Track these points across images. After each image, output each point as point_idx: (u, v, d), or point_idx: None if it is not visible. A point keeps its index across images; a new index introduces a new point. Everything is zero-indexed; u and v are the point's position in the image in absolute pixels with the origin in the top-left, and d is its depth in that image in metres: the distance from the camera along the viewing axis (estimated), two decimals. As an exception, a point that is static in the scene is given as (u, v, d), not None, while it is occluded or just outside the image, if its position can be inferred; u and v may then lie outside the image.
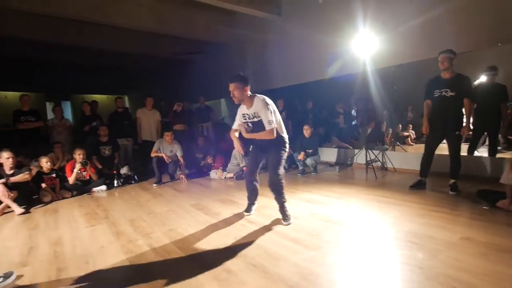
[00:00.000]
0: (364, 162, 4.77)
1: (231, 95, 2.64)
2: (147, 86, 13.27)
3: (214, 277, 1.81)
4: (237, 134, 2.82)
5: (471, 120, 3.33)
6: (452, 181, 3.42)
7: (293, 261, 1.96)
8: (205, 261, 2.04)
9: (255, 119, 2.63)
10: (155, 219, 3.04)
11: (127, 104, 16.54)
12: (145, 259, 2.12)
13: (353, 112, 7.45)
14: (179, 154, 5.05)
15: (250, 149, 2.97)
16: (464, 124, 3.31)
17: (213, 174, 5.15)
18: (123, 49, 8.23)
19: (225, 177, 5.00)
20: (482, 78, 4.37)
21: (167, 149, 5.03)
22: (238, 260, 2.02)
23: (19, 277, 1.97)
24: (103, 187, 4.61)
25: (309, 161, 5.06)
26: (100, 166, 4.99)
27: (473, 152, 4.35)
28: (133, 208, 3.53)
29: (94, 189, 4.53)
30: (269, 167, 2.77)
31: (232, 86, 2.60)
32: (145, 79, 13.01)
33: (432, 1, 4.14)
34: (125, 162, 5.62)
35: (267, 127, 2.54)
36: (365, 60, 4.70)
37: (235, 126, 2.86)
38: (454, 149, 3.39)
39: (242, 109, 2.75)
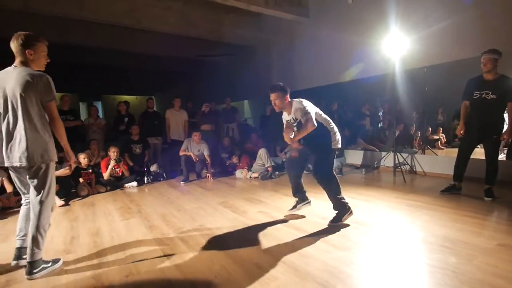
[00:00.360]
0: (392, 165, 4.66)
1: (272, 104, 2.77)
2: (174, 88, 13.74)
3: (245, 272, 1.88)
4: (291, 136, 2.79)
5: None
6: (487, 186, 3.27)
7: (322, 260, 1.99)
8: (235, 256, 2.10)
9: (296, 123, 2.73)
10: (185, 215, 3.17)
11: (154, 105, 17.21)
12: (178, 252, 2.22)
13: (380, 114, 7.29)
14: (206, 153, 5.20)
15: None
16: (505, 129, 3.15)
17: (239, 173, 5.25)
18: (151, 52, 8.57)
19: (250, 177, 5.08)
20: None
21: (194, 148, 5.19)
22: (268, 256, 2.07)
23: (65, 263, 2.14)
24: (134, 183, 4.84)
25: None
26: (131, 163, 5.23)
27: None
28: (163, 204, 3.68)
29: (126, 185, 4.76)
30: (314, 162, 2.82)
31: (273, 96, 2.72)
32: (172, 80, 13.46)
33: (464, 2, 4.01)
34: (154, 160, 5.86)
35: (303, 119, 2.59)
36: (395, 61, 4.61)
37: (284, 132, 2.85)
38: (491, 153, 3.24)
39: (285, 116, 2.88)
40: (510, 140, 3.22)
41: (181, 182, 4.94)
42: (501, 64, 3.10)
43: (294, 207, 2.99)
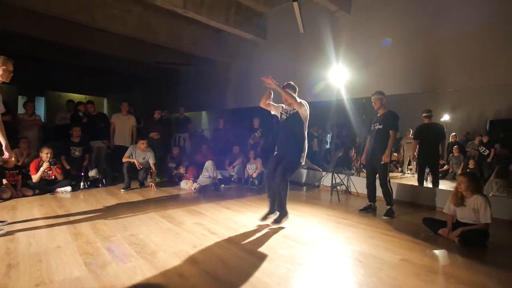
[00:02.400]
0: (330, 184, 5.01)
1: (283, 100, 3.28)
2: (129, 91, 13.21)
3: (165, 280, 1.88)
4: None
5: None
6: (387, 207, 3.74)
7: (245, 270, 2.07)
8: (160, 266, 2.09)
9: (290, 114, 3.25)
10: (118, 223, 3.05)
11: (105, 107, 16.30)
12: (101, 261, 2.14)
13: (328, 137, 7.80)
14: (151, 161, 5.07)
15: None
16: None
17: (184, 184, 5.19)
18: (107, 52, 8.23)
19: (194, 188, 5.05)
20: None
21: (139, 155, 5.04)
22: (193, 266, 2.10)
23: (-34, 270, 1.93)
24: (68, 188, 4.52)
25: None
26: (68, 167, 4.90)
27: (422, 183, 4.74)
28: (97, 211, 3.50)
29: (59, 189, 4.43)
30: (282, 165, 3.12)
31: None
32: (128, 84, 12.95)
33: (392, 47, 4.67)
34: (96, 165, 5.55)
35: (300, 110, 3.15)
36: (339, 89, 5.05)
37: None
38: (381, 177, 3.76)
39: (279, 109, 3.37)
40: (386, 161, 3.73)
41: (121, 190, 4.74)
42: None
43: (265, 217, 3.21)
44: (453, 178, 6.04)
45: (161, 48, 7.94)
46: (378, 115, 3.90)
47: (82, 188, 4.69)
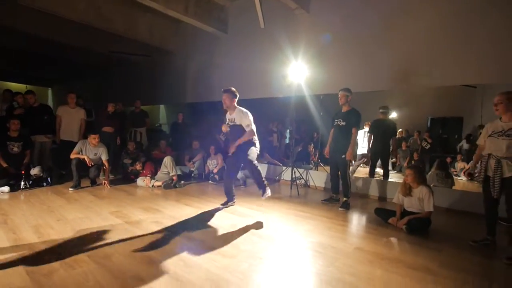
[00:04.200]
0: (290, 179, 5.13)
1: (223, 101, 3.63)
2: (79, 82, 12.18)
3: (121, 284, 1.77)
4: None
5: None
6: (344, 199, 3.95)
7: (206, 268, 2.03)
8: (115, 270, 1.97)
9: (233, 123, 3.62)
10: (66, 226, 2.80)
11: (50, 98, 14.89)
12: (46, 268, 1.95)
13: (288, 132, 7.97)
14: (104, 158, 4.74)
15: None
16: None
17: (140, 181, 4.94)
18: (53, 37, 7.46)
19: (152, 185, 4.84)
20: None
21: (90, 151, 4.68)
22: (151, 267, 2.01)
23: None
24: (5, 188, 4.05)
25: (239, 174, 5.22)
26: (5, 165, 4.38)
27: (373, 175, 5.08)
28: (40, 213, 3.18)
29: (-6, 190, 3.95)
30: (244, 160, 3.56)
31: (225, 96, 3.58)
32: (77, 73, 11.92)
33: (349, 46, 4.90)
34: (40, 162, 5.04)
35: (246, 128, 3.53)
36: (298, 86, 5.16)
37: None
38: (342, 170, 3.97)
39: (227, 115, 3.73)
40: (351, 158, 3.99)
41: (70, 189, 4.37)
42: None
43: (225, 204, 3.76)
44: (400, 171, 6.58)
45: (116, 37, 7.41)
46: (342, 111, 4.01)
47: (23, 188, 4.23)
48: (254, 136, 3.62)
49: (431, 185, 3.72)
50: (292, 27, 5.59)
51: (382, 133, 5.05)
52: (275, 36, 5.71)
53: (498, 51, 3.73)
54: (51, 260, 2.07)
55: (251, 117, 3.58)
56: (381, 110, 5.13)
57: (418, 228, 3.00)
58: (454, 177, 5.34)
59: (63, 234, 2.57)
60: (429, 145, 6.39)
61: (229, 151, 3.68)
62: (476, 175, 2.78)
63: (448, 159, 6.09)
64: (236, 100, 3.62)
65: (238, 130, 3.55)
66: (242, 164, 3.77)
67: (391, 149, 5.38)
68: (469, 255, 2.51)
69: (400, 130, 6.52)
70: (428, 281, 2.02)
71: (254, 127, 3.60)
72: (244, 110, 3.59)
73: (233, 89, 3.59)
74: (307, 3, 5.34)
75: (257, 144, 3.67)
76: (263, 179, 3.58)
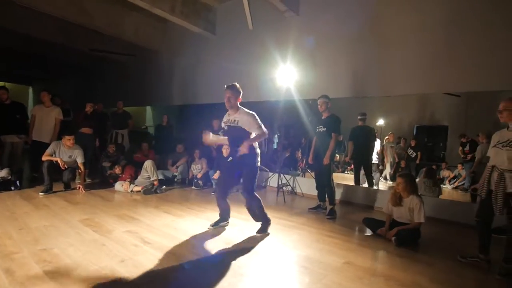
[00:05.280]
0: (276, 185, 4.96)
1: (225, 100, 2.90)
2: (59, 80, 11.72)
3: (79, 309, 1.55)
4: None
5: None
6: (329, 206, 3.82)
7: (184, 286, 1.82)
8: (75, 288, 1.73)
9: (233, 124, 2.90)
10: (28, 235, 2.53)
11: (30, 96, 14.29)
12: (-6, 287, 1.70)
13: (276, 137, 7.83)
14: (79, 160, 4.44)
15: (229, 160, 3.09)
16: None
17: (119, 186, 4.66)
18: (32, 33, 7.11)
19: (131, 190, 4.57)
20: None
21: (65, 154, 4.38)
22: (118, 286, 1.78)
23: None
24: (-33, 192, 3.72)
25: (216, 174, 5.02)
26: (-32, 166, 4.03)
27: (359, 183, 4.99)
28: (1, 221, 2.88)
29: (-47, 194, 3.61)
30: (244, 182, 2.93)
31: (228, 93, 2.88)
32: (57, 71, 11.46)
33: (338, 50, 4.80)
34: (10, 163, 4.68)
35: (257, 130, 2.85)
36: (287, 90, 5.02)
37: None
38: (326, 177, 3.87)
39: (225, 117, 3.02)
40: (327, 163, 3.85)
41: (40, 193, 4.05)
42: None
43: (216, 223, 3.07)
44: (385, 179, 6.54)
45: (98, 34, 7.13)
46: (323, 117, 3.97)
47: (-13, 192, 3.90)
48: (258, 150, 2.96)
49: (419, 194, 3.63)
50: (281, 30, 5.48)
51: (362, 140, 5.03)
52: (263, 38, 5.59)
53: (480, 60, 3.71)
54: (0, 277, 1.81)
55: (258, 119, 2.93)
56: (359, 117, 5.16)
57: (407, 239, 2.88)
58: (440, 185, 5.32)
59: (21, 246, 2.30)
60: (414, 154, 6.38)
61: (229, 153, 3.12)
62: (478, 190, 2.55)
63: (433, 167, 6.09)
64: (240, 97, 2.96)
65: (239, 131, 2.85)
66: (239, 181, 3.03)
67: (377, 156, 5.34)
68: (460, 270, 2.39)
69: (391, 132, 6.46)
70: (421, 300, 1.87)
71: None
72: (250, 111, 2.94)
73: (238, 85, 2.94)
74: (296, 5, 5.24)
75: (259, 155, 2.98)
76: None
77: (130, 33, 7.04)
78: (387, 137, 6.46)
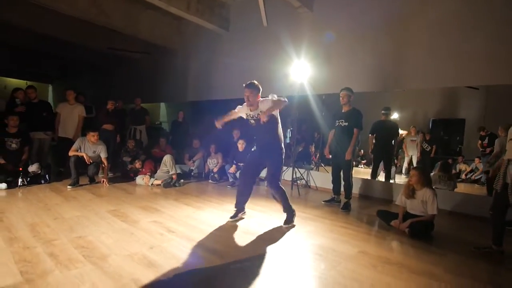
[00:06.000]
0: (291, 179, 5.08)
1: (245, 99, 2.97)
2: (78, 79, 12.13)
3: (118, 287, 1.72)
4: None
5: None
6: (345, 200, 3.89)
7: (206, 271, 1.98)
8: (113, 272, 1.91)
9: (256, 119, 2.98)
10: (63, 224, 2.75)
11: (50, 95, 14.82)
12: (40, 269, 1.90)
13: (289, 132, 7.91)
14: (103, 155, 4.68)
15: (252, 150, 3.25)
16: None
17: (140, 179, 4.89)
18: (53, 33, 7.41)
19: (152, 184, 4.79)
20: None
21: (89, 149, 4.63)
22: (149, 270, 1.95)
23: None
24: (3, 185, 4.00)
25: (232, 169, 5.18)
26: (3, 161, 4.32)
27: (375, 177, 5.02)
28: (37, 211, 3.13)
29: (-9, 187, 3.90)
30: (268, 172, 3.04)
31: (247, 92, 2.93)
32: (77, 70, 11.87)
33: (353, 45, 4.81)
34: (38, 159, 4.98)
35: (274, 103, 2.85)
36: (300, 85, 5.10)
37: (236, 109, 3.17)
38: (345, 172, 3.89)
39: (244, 110, 3.07)
40: (350, 158, 3.88)
41: (68, 187, 4.32)
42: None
43: (235, 216, 3.15)
44: (400, 172, 6.52)
45: (116, 33, 7.35)
46: (343, 111, 3.92)
47: (20, 185, 4.18)
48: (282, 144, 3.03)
49: (433, 187, 3.67)
50: (295, 26, 5.53)
51: (384, 134, 5.01)
52: (277, 35, 5.65)
53: (501, 52, 3.67)
54: (46, 260, 2.02)
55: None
56: (383, 111, 5.08)
57: (420, 231, 2.95)
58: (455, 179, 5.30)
59: (59, 233, 2.51)
60: (429, 147, 6.33)
61: (256, 143, 3.12)
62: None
63: (449, 161, 6.04)
64: (260, 94, 3.00)
65: (268, 125, 2.87)
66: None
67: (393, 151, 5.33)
68: (474, 261, 2.45)
69: (412, 126, 6.39)
70: (434, 287, 1.96)
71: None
72: (271, 95, 2.96)
73: (256, 82, 2.97)
74: (310, 1, 5.28)
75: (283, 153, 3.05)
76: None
77: (146, 32, 7.22)
78: (401, 132, 6.42)
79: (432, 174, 5.03)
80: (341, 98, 3.89)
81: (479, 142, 5.64)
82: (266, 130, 2.98)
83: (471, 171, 6.34)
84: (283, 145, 3.06)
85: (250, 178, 3.18)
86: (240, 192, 3.17)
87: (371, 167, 5.85)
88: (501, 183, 2.45)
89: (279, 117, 3.04)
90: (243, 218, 3.25)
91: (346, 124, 3.84)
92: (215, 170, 5.53)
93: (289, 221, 3.07)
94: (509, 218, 2.81)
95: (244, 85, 2.96)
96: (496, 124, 5.08)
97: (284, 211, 3.13)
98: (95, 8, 6.14)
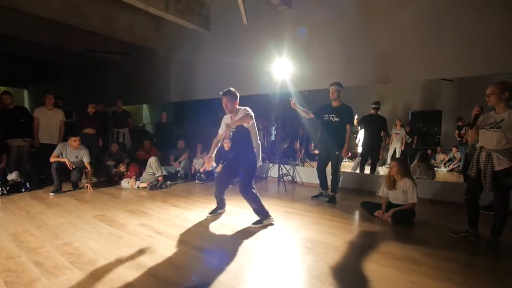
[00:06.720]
0: (277, 176, 5.14)
1: (224, 107, 3.03)
2: (55, 82, 11.74)
3: (108, 291, 1.72)
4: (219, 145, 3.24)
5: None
6: (331, 193, 3.98)
7: (196, 270, 2.01)
8: (102, 276, 1.90)
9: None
10: (47, 232, 2.70)
11: (26, 100, 14.28)
12: (27, 278, 1.87)
13: (273, 129, 7.99)
14: (85, 160, 4.59)
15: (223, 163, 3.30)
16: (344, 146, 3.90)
17: (125, 183, 4.82)
18: (26, 36, 7.12)
19: (138, 187, 4.73)
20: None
21: (71, 154, 4.52)
22: (139, 271, 1.96)
23: None
24: (-19, 195, 3.86)
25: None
26: (-22, 171, 4.17)
27: (363, 170, 5.16)
28: (19, 220, 3.05)
29: (-33, 198, 3.75)
30: (240, 178, 3.07)
31: (225, 99, 2.99)
32: (53, 73, 11.49)
33: (332, 42, 4.91)
34: (17, 166, 4.82)
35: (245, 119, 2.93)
36: (283, 82, 5.16)
37: (220, 131, 3.20)
38: (334, 166, 3.97)
39: (226, 119, 3.12)
40: (347, 155, 4.01)
41: (50, 194, 4.21)
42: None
43: (214, 211, 3.32)
44: (383, 164, 6.73)
45: (94, 35, 7.18)
46: (333, 106, 3.95)
47: (0, 195, 4.05)
48: (258, 143, 3.08)
49: (414, 177, 3.82)
50: (275, 23, 5.58)
51: (373, 128, 5.12)
52: (258, 33, 5.69)
53: (470, 45, 3.85)
54: (31, 268, 1.98)
55: (252, 114, 3.02)
56: (373, 106, 5.21)
57: (403, 220, 3.08)
58: (435, 168, 5.53)
59: (44, 241, 2.47)
60: (410, 139, 6.56)
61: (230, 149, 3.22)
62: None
63: (429, 151, 6.28)
64: (238, 101, 3.06)
65: (242, 131, 2.97)
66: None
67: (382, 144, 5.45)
68: (452, 244, 2.59)
69: (398, 120, 6.55)
70: (413, 270, 2.07)
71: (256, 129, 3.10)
72: (245, 108, 3.05)
73: (233, 89, 3.01)
74: (289, -1, 5.33)
75: (260, 154, 3.11)
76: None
77: (125, 32, 7.08)
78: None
79: (412, 164, 5.23)
80: (330, 93, 3.91)
81: (457, 132, 5.90)
82: (239, 140, 3.07)
83: (450, 160, 6.63)
84: (260, 153, 3.10)
85: (223, 184, 3.26)
86: (216, 196, 3.30)
87: (354, 160, 6.02)
88: (475, 169, 2.59)
89: (256, 128, 3.09)
90: (220, 215, 3.35)
91: (338, 119, 3.87)
92: (202, 170, 5.51)
93: (259, 223, 2.98)
94: (484, 203, 2.99)
95: (221, 93, 3.02)
96: (470, 114, 5.32)
97: (256, 214, 3.05)
98: (70, 9, 5.97)
